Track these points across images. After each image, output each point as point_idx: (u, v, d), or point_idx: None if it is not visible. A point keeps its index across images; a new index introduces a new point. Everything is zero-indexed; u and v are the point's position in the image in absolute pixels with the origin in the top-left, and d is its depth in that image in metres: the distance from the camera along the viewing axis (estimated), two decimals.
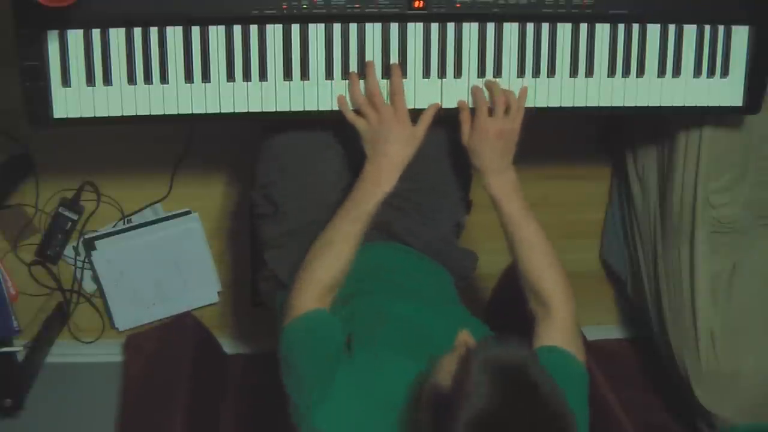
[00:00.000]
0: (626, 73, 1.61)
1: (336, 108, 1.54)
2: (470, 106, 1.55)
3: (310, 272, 1.40)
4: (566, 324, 1.40)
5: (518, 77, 1.58)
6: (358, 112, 1.51)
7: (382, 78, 1.54)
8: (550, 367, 1.19)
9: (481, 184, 1.50)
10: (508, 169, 1.49)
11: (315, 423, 1.19)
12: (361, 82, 1.52)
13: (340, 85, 1.55)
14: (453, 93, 1.57)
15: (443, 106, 1.57)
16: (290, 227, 1.63)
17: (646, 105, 1.63)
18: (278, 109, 1.55)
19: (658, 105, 1.64)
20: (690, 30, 1.62)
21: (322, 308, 1.37)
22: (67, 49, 1.49)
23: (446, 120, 1.59)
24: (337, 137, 1.65)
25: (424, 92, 1.57)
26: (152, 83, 1.52)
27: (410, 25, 1.54)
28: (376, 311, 1.41)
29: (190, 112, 1.54)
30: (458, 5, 1.53)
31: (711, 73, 1.64)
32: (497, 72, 1.57)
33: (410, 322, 1.38)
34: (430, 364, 1.14)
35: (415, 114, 1.54)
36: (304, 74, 1.54)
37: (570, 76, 1.60)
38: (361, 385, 1.23)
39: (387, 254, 1.61)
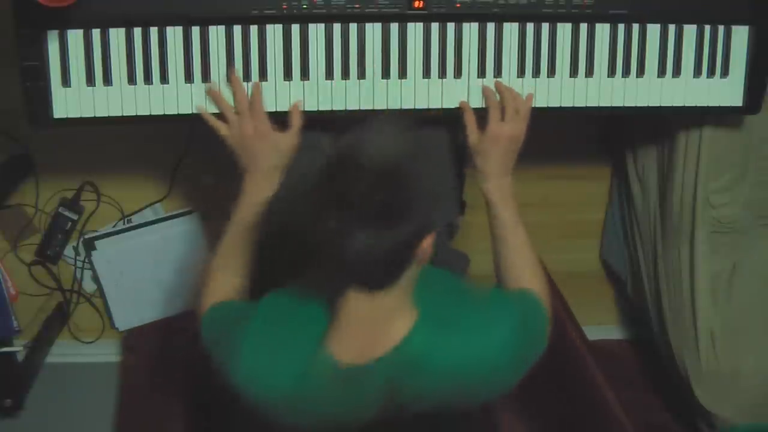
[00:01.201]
0: (626, 73, 1.61)
1: (336, 108, 1.54)
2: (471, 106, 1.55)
3: (211, 286, 1.43)
4: None
5: (518, 77, 1.58)
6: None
7: (383, 78, 1.55)
8: (510, 293, 1.37)
9: (480, 186, 1.50)
10: (508, 173, 1.49)
11: (238, 367, 1.23)
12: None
13: (340, 86, 1.55)
14: (453, 93, 1.57)
15: (443, 106, 1.57)
16: (275, 228, 1.63)
17: (646, 105, 1.64)
18: (278, 109, 1.55)
19: (658, 105, 1.64)
20: (690, 30, 1.62)
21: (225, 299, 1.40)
22: (67, 49, 1.49)
23: (443, 120, 1.59)
24: (322, 138, 1.64)
25: (424, 92, 1.57)
26: (152, 83, 1.52)
27: (410, 25, 1.54)
28: None
29: (190, 112, 1.54)
30: (458, 5, 1.53)
31: (711, 73, 1.64)
32: (497, 72, 1.57)
33: None
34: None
35: (414, 115, 1.55)
36: (304, 74, 1.54)
37: (570, 76, 1.60)
38: (274, 315, 1.26)
39: None
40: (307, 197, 1.12)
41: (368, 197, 1.08)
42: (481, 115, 1.52)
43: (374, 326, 1.17)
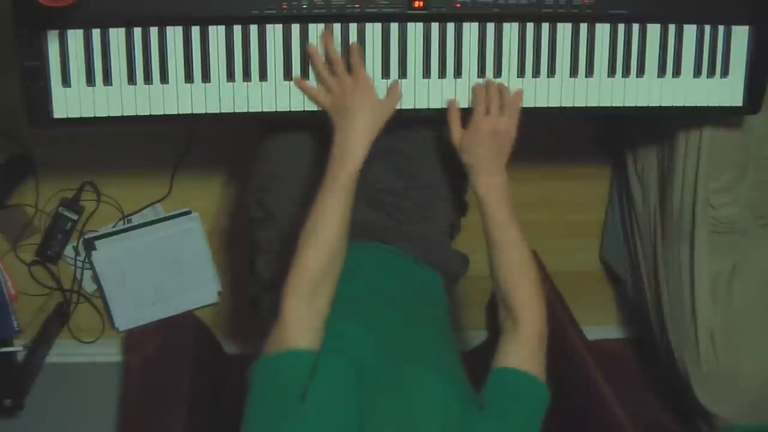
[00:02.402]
0: (626, 73, 1.61)
1: None
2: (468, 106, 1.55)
3: (300, 260, 1.31)
4: (531, 342, 1.34)
5: (518, 77, 1.58)
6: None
7: (383, 78, 1.55)
8: (509, 388, 1.25)
9: (471, 184, 1.48)
10: (499, 171, 1.46)
11: None
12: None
13: None
14: (453, 93, 1.57)
15: (444, 106, 1.57)
16: (282, 233, 1.62)
17: (646, 105, 1.63)
18: (278, 109, 1.55)
19: (658, 105, 1.64)
20: (690, 30, 1.62)
21: (300, 350, 1.23)
22: (67, 49, 1.49)
23: (443, 121, 1.59)
24: (322, 138, 1.64)
25: (424, 92, 1.57)
26: (152, 83, 1.52)
27: (410, 25, 1.54)
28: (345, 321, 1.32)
29: (190, 112, 1.54)
30: (458, 5, 1.53)
31: (711, 73, 1.64)
32: (497, 72, 1.57)
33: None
34: None
35: (415, 115, 1.55)
36: (304, 74, 1.54)
37: (570, 76, 1.60)
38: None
39: (373, 260, 1.57)
40: None
41: None
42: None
43: None
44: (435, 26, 1.55)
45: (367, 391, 1.19)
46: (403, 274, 1.58)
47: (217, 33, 1.52)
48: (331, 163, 1.40)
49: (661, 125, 1.94)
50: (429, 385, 1.23)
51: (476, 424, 1.21)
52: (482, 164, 1.46)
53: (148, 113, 1.53)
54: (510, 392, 1.27)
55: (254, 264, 1.69)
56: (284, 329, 1.24)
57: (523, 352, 1.33)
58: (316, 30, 1.53)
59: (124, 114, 1.53)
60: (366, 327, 1.32)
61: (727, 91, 1.65)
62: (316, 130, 1.63)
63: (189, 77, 1.52)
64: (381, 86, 1.54)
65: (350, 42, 1.52)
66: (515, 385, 1.28)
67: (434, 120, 1.59)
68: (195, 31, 1.51)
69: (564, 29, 1.58)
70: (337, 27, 1.53)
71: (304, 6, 1.50)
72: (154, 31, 1.50)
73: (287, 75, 1.54)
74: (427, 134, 1.63)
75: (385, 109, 1.48)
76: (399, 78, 1.55)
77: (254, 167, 1.67)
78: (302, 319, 1.25)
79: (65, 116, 1.51)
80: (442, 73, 1.57)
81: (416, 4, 1.51)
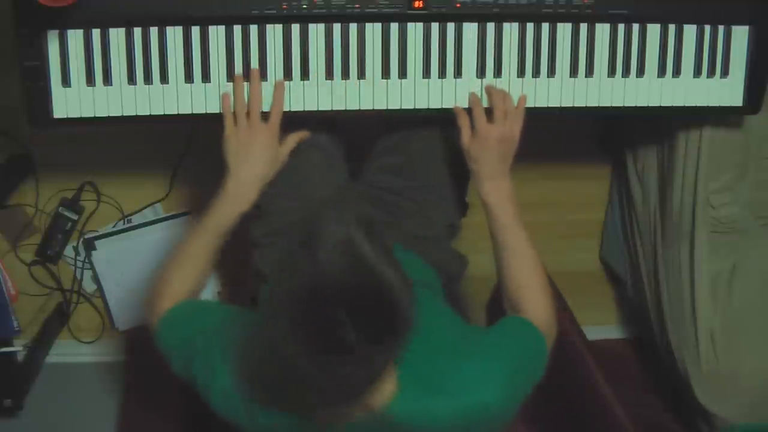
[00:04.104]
0: (626, 73, 1.61)
1: (336, 108, 1.54)
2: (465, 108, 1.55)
3: (166, 283, 1.40)
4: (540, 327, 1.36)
5: (518, 77, 1.58)
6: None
7: (383, 78, 1.55)
8: (506, 328, 1.33)
9: (476, 189, 1.50)
10: (504, 175, 1.48)
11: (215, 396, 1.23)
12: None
13: (340, 86, 1.55)
14: (453, 93, 1.57)
15: (443, 106, 1.57)
16: (275, 227, 1.62)
17: (646, 105, 1.64)
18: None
19: (658, 105, 1.64)
20: (690, 30, 1.62)
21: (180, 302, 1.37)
22: (67, 49, 1.49)
23: (443, 121, 1.59)
24: (321, 137, 1.64)
25: (424, 92, 1.57)
26: (152, 83, 1.52)
27: (410, 25, 1.54)
28: None
29: (190, 112, 1.54)
30: (458, 5, 1.53)
31: (711, 73, 1.64)
32: (497, 72, 1.57)
33: None
34: None
35: (413, 115, 1.55)
36: (305, 74, 1.54)
37: (570, 76, 1.60)
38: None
39: None
40: (284, 340, 1.01)
41: (352, 333, 0.97)
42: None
43: None
44: (435, 26, 1.55)
45: None
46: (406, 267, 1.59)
47: (217, 33, 1.52)
48: (217, 204, 1.44)
49: (661, 125, 1.94)
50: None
51: (472, 332, 1.28)
52: (488, 170, 1.48)
53: (148, 113, 1.53)
54: (510, 329, 1.33)
55: (251, 258, 1.69)
56: (155, 312, 1.37)
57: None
58: (316, 30, 1.53)
59: (124, 114, 1.53)
60: None
61: (727, 91, 1.65)
62: (306, 127, 1.63)
63: (189, 77, 1.52)
64: (381, 86, 1.54)
65: (374, 42, 1.53)
66: (517, 326, 1.33)
67: (434, 120, 1.59)
68: (195, 31, 1.51)
69: (564, 29, 1.58)
70: (337, 27, 1.53)
71: (304, 6, 1.50)
72: (154, 31, 1.50)
73: (287, 75, 1.54)
74: (427, 134, 1.63)
75: (280, 161, 1.50)
76: (399, 78, 1.55)
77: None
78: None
79: (65, 116, 1.52)
80: (442, 73, 1.57)
81: (416, 4, 1.51)
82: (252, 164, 1.46)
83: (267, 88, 1.53)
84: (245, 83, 1.50)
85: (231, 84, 1.53)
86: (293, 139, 1.53)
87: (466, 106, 1.56)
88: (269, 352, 1.05)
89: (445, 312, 1.38)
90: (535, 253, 1.44)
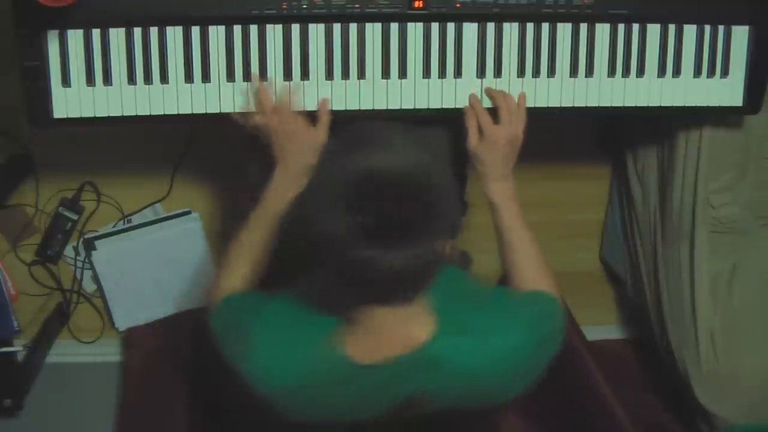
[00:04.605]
0: (626, 73, 1.61)
1: (336, 108, 1.54)
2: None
3: (225, 275, 1.43)
4: None
5: (518, 77, 1.58)
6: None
7: (383, 78, 1.55)
8: (525, 294, 1.37)
9: (482, 190, 1.50)
10: (509, 176, 1.49)
11: (250, 359, 1.24)
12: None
13: (340, 86, 1.55)
14: (453, 93, 1.57)
15: (443, 106, 1.57)
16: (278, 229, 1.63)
17: (646, 105, 1.64)
18: None
19: (658, 105, 1.64)
20: (690, 30, 1.62)
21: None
22: (67, 49, 1.49)
23: (442, 120, 1.59)
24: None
25: (424, 92, 1.57)
26: (152, 83, 1.52)
27: (410, 25, 1.54)
28: None
29: (190, 112, 1.54)
30: (458, 5, 1.53)
31: (711, 73, 1.64)
32: (497, 72, 1.57)
33: None
34: None
35: (414, 115, 1.55)
36: (305, 74, 1.54)
37: (570, 76, 1.60)
38: (288, 310, 1.27)
39: None
40: (327, 224, 1.11)
41: (397, 220, 1.08)
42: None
43: (394, 332, 1.18)
44: (435, 26, 1.55)
45: None
46: None
47: (217, 33, 1.52)
48: (268, 193, 1.46)
49: (661, 125, 1.94)
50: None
51: (499, 289, 1.35)
52: (494, 171, 1.49)
53: (148, 113, 1.53)
54: (529, 295, 1.38)
55: None
56: (213, 302, 1.40)
57: None
58: (316, 30, 1.53)
59: (124, 114, 1.53)
60: None
61: (727, 91, 1.65)
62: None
63: (189, 77, 1.52)
64: (381, 86, 1.54)
65: (374, 42, 1.54)
66: (535, 293, 1.38)
67: (434, 120, 1.59)
68: (195, 31, 1.51)
69: (564, 29, 1.58)
70: (337, 27, 1.53)
71: (304, 6, 1.50)
72: (154, 31, 1.50)
73: (287, 75, 1.54)
74: (427, 134, 1.63)
75: (315, 141, 1.49)
76: (399, 78, 1.55)
77: (249, 166, 1.68)
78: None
79: (65, 116, 1.52)
80: (442, 73, 1.57)
81: (416, 4, 1.52)
82: (294, 153, 1.46)
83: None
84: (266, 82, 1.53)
85: (232, 84, 1.53)
86: (323, 116, 1.51)
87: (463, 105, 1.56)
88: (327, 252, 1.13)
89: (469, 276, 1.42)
90: (541, 252, 1.46)
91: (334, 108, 1.54)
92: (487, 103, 1.56)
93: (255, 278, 1.45)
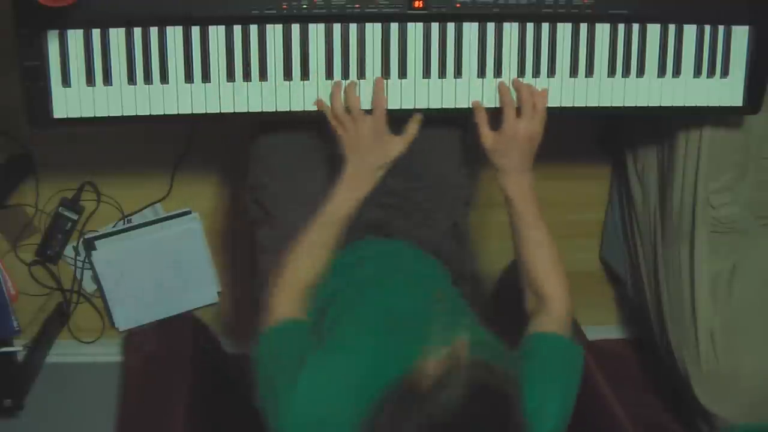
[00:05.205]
0: (626, 73, 1.61)
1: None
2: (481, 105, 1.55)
3: (289, 274, 1.41)
4: (561, 319, 1.41)
5: (518, 77, 1.58)
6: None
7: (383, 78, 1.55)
8: (544, 351, 1.32)
9: (498, 182, 1.50)
10: (528, 170, 1.50)
11: (283, 415, 1.22)
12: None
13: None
14: (453, 93, 1.57)
15: (443, 106, 1.57)
16: (281, 232, 1.62)
17: (646, 105, 1.64)
18: (278, 109, 1.55)
19: (658, 105, 1.64)
20: (690, 30, 1.62)
21: (296, 318, 1.36)
22: (67, 49, 1.49)
23: (445, 120, 1.59)
24: (325, 140, 1.64)
25: (424, 92, 1.57)
26: (152, 83, 1.52)
27: (410, 25, 1.54)
28: (357, 289, 1.43)
29: (190, 112, 1.54)
30: (458, 5, 1.53)
31: (711, 73, 1.64)
32: (497, 72, 1.57)
33: (393, 302, 1.40)
34: (411, 359, 1.13)
35: (413, 115, 1.55)
36: (305, 74, 1.54)
37: (570, 76, 1.60)
38: (330, 370, 1.25)
39: (382, 248, 1.62)
40: None
41: None
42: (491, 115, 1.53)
43: None
44: (435, 26, 1.55)
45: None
46: (414, 261, 1.61)
47: (217, 33, 1.52)
48: (336, 193, 1.46)
49: (661, 125, 1.94)
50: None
51: (518, 361, 1.28)
52: (513, 165, 1.48)
53: (148, 113, 1.53)
54: (548, 351, 1.34)
55: (256, 264, 1.69)
56: (274, 309, 1.36)
57: (554, 324, 1.39)
58: (316, 30, 1.53)
59: (124, 114, 1.53)
60: (386, 305, 1.40)
61: (727, 91, 1.65)
62: (310, 127, 1.63)
63: (189, 77, 1.52)
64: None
65: (374, 43, 1.53)
66: (552, 346, 1.35)
67: (434, 120, 1.59)
68: (195, 31, 1.51)
69: (564, 29, 1.58)
70: (337, 27, 1.53)
71: (304, 6, 1.50)
72: (154, 31, 1.50)
73: (287, 75, 1.54)
74: (428, 134, 1.63)
75: (397, 146, 1.50)
76: (399, 78, 1.55)
77: (249, 166, 1.68)
78: (289, 310, 1.37)
79: (65, 116, 1.51)
80: (442, 74, 1.57)
81: (416, 4, 1.51)
82: (363, 154, 1.47)
83: (268, 89, 1.53)
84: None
85: (232, 84, 1.52)
86: (411, 129, 1.52)
87: (467, 105, 1.56)
88: None
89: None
90: (555, 249, 1.48)
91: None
92: (495, 97, 1.56)
93: (318, 279, 1.42)
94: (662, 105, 1.64)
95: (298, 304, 1.38)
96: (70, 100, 1.51)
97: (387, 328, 1.32)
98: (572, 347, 1.36)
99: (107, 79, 1.51)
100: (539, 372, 1.29)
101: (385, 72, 1.55)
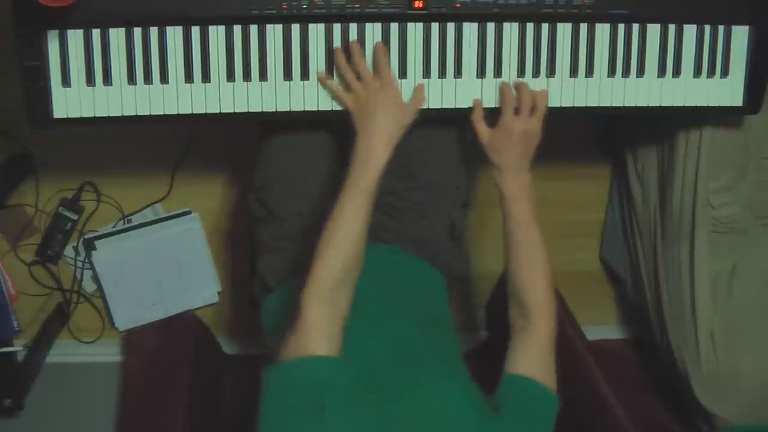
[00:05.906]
0: (626, 73, 1.61)
1: (336, 108, 1.54)
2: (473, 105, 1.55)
3: (322, 263, 1.30)
4: (543, 342, 1.38)
5: (518, 77, 1.58)
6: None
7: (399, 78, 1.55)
8: (523, 399, 1.30)
9: (495, 180, 1.49)
10: (525, 170, 1.49)
11: None
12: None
13: (341, 86, 1.54)
14: (453, 93, 1.57)
15: (443, 106, 1.57)
16: (285, 232, 1.62)
17: (646, 105, 1.64)
18: (278, 109, 1.55)
19: (658, 105, 1.64)
20: (690, 30, 1.62)
21: (325, 357, 1.21)
22: (67, 49, 1.49)
23: (444, 119, 1.59)
24: (331, 141, 1.64)
25: (424, 92, 1.56)
26: (152, 83, 1.52)
27: (410, 25, 1.54)
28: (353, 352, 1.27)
29: (190, 112, 1.54)
30: (458, 5, 1.53)
31: (711, 73, 1.64)
32: (497, 72, 1.57)
33: (384, 371, 1.28)
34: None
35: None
36: (305, 74, 1.54)
37: (570, 76, 1.60)
38: None
39: (376, 261, 1.54)
40: None
41: None
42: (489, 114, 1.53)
43: None
44: (435, 26, 1.55)
45: (383, 397, 1.20)
46: (405, 273, 1.59)
47: (217, 33, 1.52)
48: (352, 166, 1.39)
49: (661, 125, 1.94)
50: (446, 392, 1.25)
51: (492, 429, 1.23)
52: (508, 163, 1.48)
53: (148, 113, 1.53)
54: (524, 403, 1.31)
55: (255, 263, 1.69)
56: (304, 334, 1.22)
57: (535, 355, 1.36)
58: (316, 30, 1.53)
59: (124, 114, 1.53)
60: (375, 328, 1.35)
61: (727, 91, 1.65)
62: (318, 128, 1.63)
63: (189, 77, 1.52)
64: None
65: (374, 42, 1.52)
66: (529, 397, 1.32)
67: (434, 120, 1.59)
68: (195, 31, 1.51)
69: (564, 29, 1.58)
70: (337, 27, 1.53)
71: (304, 6, 1.50)
72: (154, 31, 1.50)
73: (287, 75, 1.54)
74: (426, 134, 1.63)
75: (409, 112, 1.48)
76: (399, 78, 1.55)
77: (256, 166, 1.67)
78: (323, 324, 1.24)
79: (65, 116, 1.51)
80: (442, 73, 1.57)
81: (416, 4, 1.51)
82: (376, 122, 1.42)
83: (267, 89, 1.53)
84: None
85: (232, 84, 1.53)
86: (419, 96, 1.50)
87: (467, 106, 1.56)
88: None
89: (463, 390, 1.31)
90: (545, 252, 1.45)
91: (334, 108, 1.54)
92: (494, 97, 1.56)
93: (354, 265, 1.31)
94: (662, 105, 1.64)
95: (332, 312, 1.25)
96: (70, 100, 1.51)
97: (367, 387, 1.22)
98: (547, 396, 1.33)
99: (107, 79, 1.51)
100: (512, 421, 1.27)
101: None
